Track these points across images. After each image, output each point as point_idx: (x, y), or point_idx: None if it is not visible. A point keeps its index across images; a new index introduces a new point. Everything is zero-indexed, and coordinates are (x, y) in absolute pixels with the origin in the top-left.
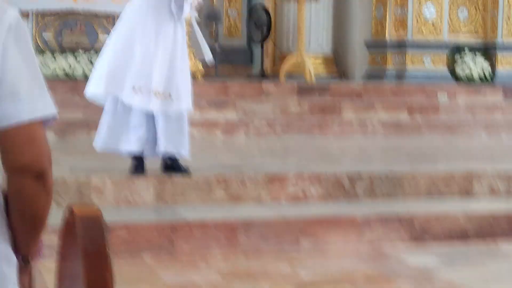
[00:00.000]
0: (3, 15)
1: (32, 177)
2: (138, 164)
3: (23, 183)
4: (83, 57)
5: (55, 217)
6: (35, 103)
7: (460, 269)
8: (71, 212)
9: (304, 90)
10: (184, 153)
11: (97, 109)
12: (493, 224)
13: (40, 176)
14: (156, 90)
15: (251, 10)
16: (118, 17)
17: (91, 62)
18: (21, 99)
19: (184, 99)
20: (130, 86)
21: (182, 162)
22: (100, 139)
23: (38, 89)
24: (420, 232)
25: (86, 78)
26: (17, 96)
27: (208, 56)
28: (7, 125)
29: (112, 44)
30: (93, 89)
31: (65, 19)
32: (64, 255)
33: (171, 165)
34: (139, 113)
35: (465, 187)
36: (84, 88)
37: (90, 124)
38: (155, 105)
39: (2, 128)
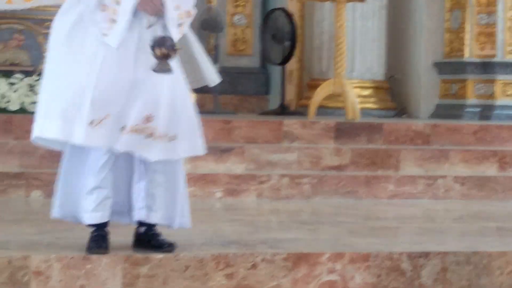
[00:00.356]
0: None
1: None
2: (100, 237)
3: None
4: (20, 82)
5: None
6: None
7: None
8: None
9: (345, 133)
10: (184, 223)
11: (41, 158)
12: None
13: None
14: (136, 127)
15: (267, 17)
16: None
17: (33, 92)
18: None
19: (197, 138)
20: (87, 119)
21: (164, 236)
22: (55, 202)
23: None
24: None
25: (24, 112)
26: None
27: (213, 79)
28: None
29: (61, 61)
30: (41, 131)
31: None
32: None
33: (150, 239)
34: (101, 161)
35: None
36: (25, 127)
37: (30, 179)
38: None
39: None
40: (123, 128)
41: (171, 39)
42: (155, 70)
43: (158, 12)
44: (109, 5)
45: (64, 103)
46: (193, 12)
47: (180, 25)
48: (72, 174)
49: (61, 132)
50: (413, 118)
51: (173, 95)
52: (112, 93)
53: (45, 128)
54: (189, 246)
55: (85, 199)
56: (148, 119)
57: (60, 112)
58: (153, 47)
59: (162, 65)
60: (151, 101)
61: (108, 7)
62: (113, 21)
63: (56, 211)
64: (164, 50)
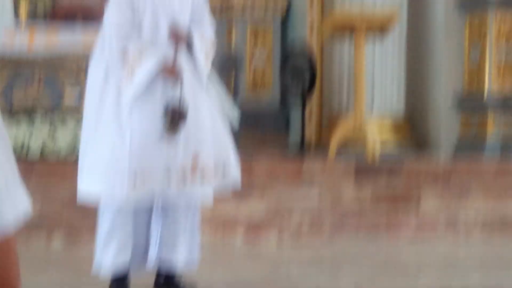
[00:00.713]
0: None
1: None
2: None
3: None
4: (42, 123)
5: None
6: (12, 200)
7: None
8: None
9: (365, 171)
10: (194, 261)
11: (62, 204)
12: None
13: None
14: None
15: (286, 55)
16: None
17: (53, 131)
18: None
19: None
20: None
21: (186, 278)
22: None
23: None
24: None
25: (45, 153)
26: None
27: (232, 116)
28: None
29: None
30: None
31: (18, 69)
32: None
33: (172, 281)
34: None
35: None
36: (45, 168)
37: (51, 226)
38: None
39: None
40: (171, 173)
41: (182, 106)
42: (163, 131)
43: (176, 80)
44: (131, 62)
45: (105, 167)
46: (215, 41)
47: (207, 54)
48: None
49: (106, 194)
50: (433, 155)
51: (214, 130)
52: (149, 148)
53: (90, 190)
54: None
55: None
56: (195, 157)
57: (103, 175)
58: (165, 113)
59: (171, 128)
60: (194, 139)
61: (128, 64)
62: (132, 80)
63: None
64: (174, 117)
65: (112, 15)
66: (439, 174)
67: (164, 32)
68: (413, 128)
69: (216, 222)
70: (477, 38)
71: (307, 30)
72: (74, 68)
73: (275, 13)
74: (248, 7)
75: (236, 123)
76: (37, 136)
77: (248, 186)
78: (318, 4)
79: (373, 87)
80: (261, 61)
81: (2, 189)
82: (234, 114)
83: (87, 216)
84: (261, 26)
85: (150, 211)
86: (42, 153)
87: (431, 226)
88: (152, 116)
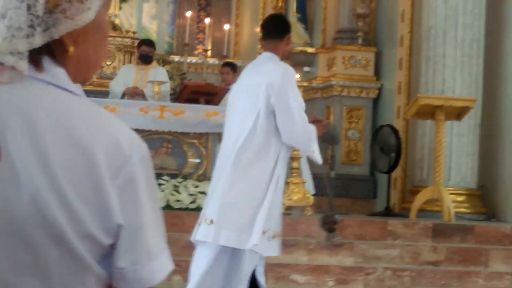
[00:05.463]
0: (126, 143)
1: None
2: None
3: None
4: (166, 185)
5: None
6: (161, 263)
7: None
8: None
9: (442, 233)
10: None
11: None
12: None
13: None
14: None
15: (376, 132)
16: (213, 137)
17: (177, 190)
18: (151, 259)
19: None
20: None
21: None
22: None
23: (162, 240)
24: None
25: (169, 208)
26: (150, 255)
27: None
28: None
29: None
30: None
31: (151, 138)
32: None
33: None
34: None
35: None
36: (168, 221)
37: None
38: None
39: None
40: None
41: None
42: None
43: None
44: None
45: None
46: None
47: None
48: None
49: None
50: (502, 222)
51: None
52: None
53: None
54: None
55: None
56: None
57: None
58: (323, 225)
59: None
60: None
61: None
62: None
63: None
64: (330, 225)
65: (298, 97)
66: (506, 237)
67: None
68: (485, 200)
69: (311, 270)
70: None
71: (394, 112)
72: (198, 139)
73: (368, 95)
74: (345, 87)
75: (331, 189)
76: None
77: (340, 241)
78: (404, 91)
79: (450, 162)
80: (355, 136)
81: (162, 246)
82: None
83: None
84: (356, 106)
85: None
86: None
87: (499, 281)
88: None
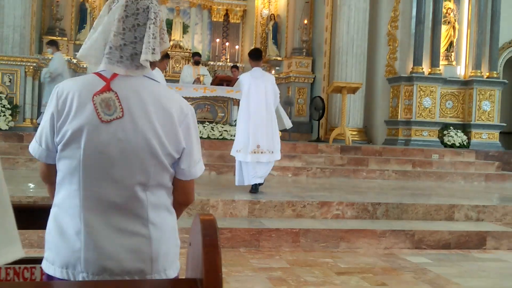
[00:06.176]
0: (184, 107)
1: (185, 206)
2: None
3: (182, 208)
4: (207, 127)
5: (187, 222)
6: (200, 166)
7: (444, 267)
8: (197, 218)
9: (345, 149)
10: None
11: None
12: (467, 238)
13: (188, 205)
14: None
15: (312, 100)
16: (230, 102)
17: (212, 129)
18: (196, 164)
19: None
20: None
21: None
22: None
23: (200, 154)
24: (418, 242)
25: (210, 139)
26: (195, 162)
27: (289, 124)
28: (185, 180)
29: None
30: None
31: (199, 103)
32: (192, 245)
33: (256, 190)
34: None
35: (449, 214)
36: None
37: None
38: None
39: (182, 180)
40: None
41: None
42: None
43: None
44: None
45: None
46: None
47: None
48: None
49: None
50: (374, 144)
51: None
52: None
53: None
54: (276, 196)
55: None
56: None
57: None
58: None
59: None
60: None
61: None
62: None
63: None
64: None
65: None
66: (377, 152)
67: None
68: (366, 133)
69: (280, 169)
70: None
71: (321, 90)
72: (223, 103)
73: (308, 81)
74: (296, 77)
75: (290, 128)
76: (206, 130)
77: (294, 154)
78: (326, 79)
79: (349, 114)
80: (302, 102)
81: (200, 159)
82: (289, 123)
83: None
84: (302, 87)
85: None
86: (208, 138)
87: (373, 174)
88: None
